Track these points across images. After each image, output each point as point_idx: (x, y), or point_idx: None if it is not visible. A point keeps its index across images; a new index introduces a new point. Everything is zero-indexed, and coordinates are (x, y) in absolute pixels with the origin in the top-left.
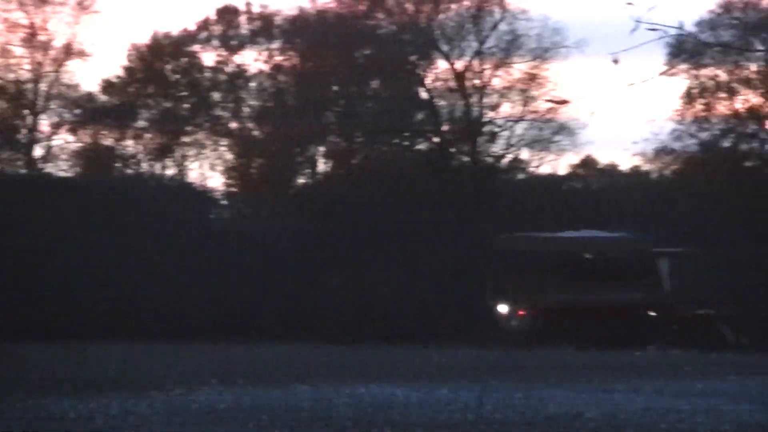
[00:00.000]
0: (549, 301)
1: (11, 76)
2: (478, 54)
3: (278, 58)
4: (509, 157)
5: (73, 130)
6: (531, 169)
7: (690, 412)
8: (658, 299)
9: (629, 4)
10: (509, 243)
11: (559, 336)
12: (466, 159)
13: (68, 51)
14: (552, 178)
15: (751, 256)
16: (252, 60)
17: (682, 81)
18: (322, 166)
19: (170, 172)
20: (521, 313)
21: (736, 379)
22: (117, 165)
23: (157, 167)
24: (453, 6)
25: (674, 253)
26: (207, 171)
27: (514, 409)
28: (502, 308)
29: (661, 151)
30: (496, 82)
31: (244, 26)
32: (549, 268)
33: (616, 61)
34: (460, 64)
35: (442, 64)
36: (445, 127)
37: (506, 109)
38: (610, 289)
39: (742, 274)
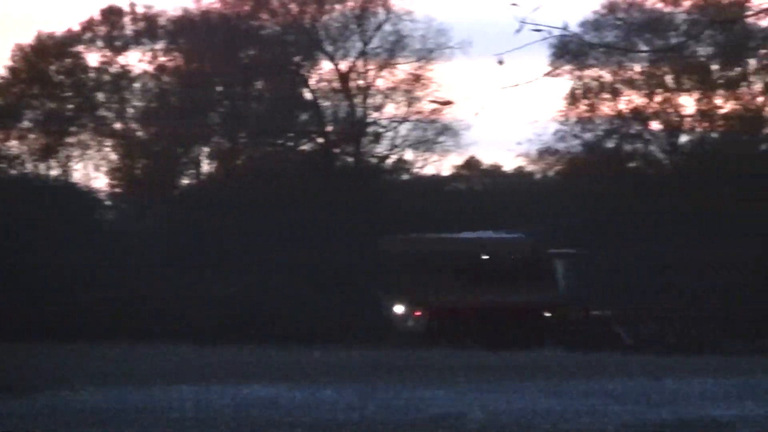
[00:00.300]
0: (445, 302)
1: None
2: (363, 55)
3: (162, 59)
4: (393, 157)
5: None
6: (415, 170)
7: (573, 413)
8: (553, 300)
9: (513, 5)
10: (406, 244)
11: (456, 336)
12: (350, 159)
13: None
14: (436, 179)
15: (640, 256)
16: (136, 61)
17: (566, 82)
18: (206, 166)
19: (54, 172)
20: (418, 313)
21: (620, 379)
22: (1, 165)
23: (42, 168)
24: (337, 7)
25: (569, 254)
26: (91, 172)
27: (397, 409)
28: (399, 309)
29: (545, 152)
30: (381, 83)
31: (129, 27)
32: (446, 269)
33: (500, 62)
34: (344, 65)
35: (326, 65)
36: (329, 128)
37: (390, 109)
38: (506, 289)
39: (634, 275)
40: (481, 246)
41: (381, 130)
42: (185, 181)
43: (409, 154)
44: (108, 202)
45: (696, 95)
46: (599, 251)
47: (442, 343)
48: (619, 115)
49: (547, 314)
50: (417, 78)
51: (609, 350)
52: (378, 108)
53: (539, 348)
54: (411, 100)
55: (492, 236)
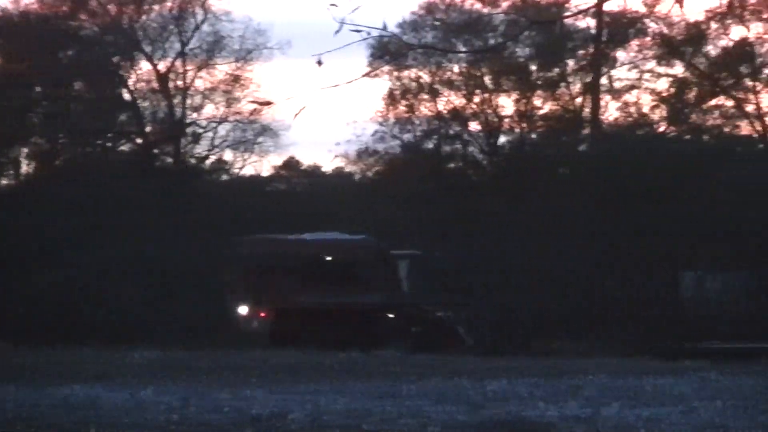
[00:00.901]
0: (290, 303)
1: None
2: (181, 55)
3: None
4: (213, 158)
5: None
6: (235, 171)
7: (396, 414)
8: (396, 301)
9: (333, 5)
10: (250, 245)
11: (300, 337)
12: (169, 160)
13: None
14: (255, 180)
15: (475, 258)
16: None
17: (385, 82)
18: (25, 167)
19: None
20: (262, 314)
21: (451, 380)
22: None
23: None
24: (155, 7)
25: (413, 255)
26: None
27: (219, 410)
28: (243, 310)
29: (364, 153)
30: (200, 84)
31: None
32: (290, 270)
33: (319, 63)
34: (163, 66)
35: (145, 65)
36: (148, 128)
37: (210, 110)
38: (349, 291)
39: (475, 277)
40: (326, 247)
41: (200, 130)
42: (4, 182)
43: (228, 155)
44: None
45: (515, 96)
46: (440, 253)
47: (287, 344)
48: (438, 115)
49: (390, 315)
50: (236, 78)
51: (450, 351)
52: (197, 108)
53: (382, 349)
54: (230, 101)
55: (336, 237)
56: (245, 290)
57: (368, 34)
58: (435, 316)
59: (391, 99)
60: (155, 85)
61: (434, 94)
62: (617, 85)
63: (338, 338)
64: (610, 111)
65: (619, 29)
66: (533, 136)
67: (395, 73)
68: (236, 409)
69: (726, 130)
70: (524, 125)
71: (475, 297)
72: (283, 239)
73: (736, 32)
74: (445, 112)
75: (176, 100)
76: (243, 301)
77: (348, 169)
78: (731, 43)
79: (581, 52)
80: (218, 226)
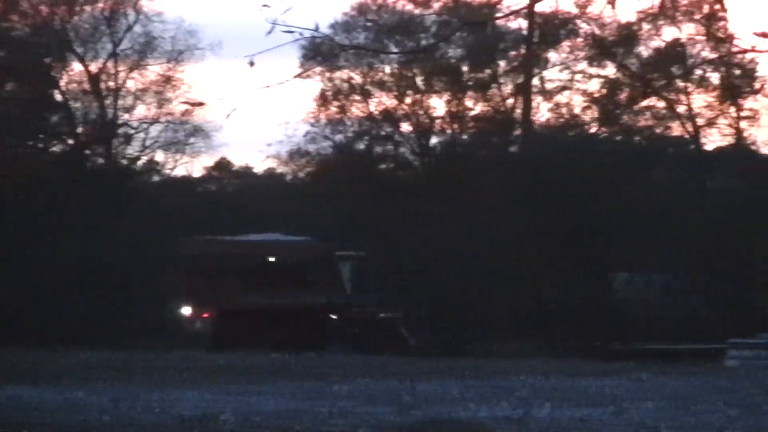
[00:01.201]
0: (233, 304)
1: None
2: (113, 56)
3: None
4: (144, 159)
5: None
6: (166, 172)
7: (327, 415)
8: (339, 302)
9: (265, 6)
10: (194, 246)
11: (243, 338)
12: (101, 161)
13: None
14: (187, 181)
15: (407, 259)
16: None
17: (316, 83)
18: None
19: None
20: (205, 315)
21: (375, 381)
22: None
23: None
24: (87, 8)
25: (356, 257)
26: None
27: (150, 411)
28: (186, 310)
29: (296, 154)
30: (131, 84)
31: None
32: (234, 271)
33: (251, 64)
34: (94, 66)
35: (77, 66)
36: (80, 129)
37: (141, 111)
38: (292, 292)
39: (412, 278)
40: (270, 248)
41: (131, 131)
42: None
43: (159, 156)
44: None
45: (446, 97)
46: (374, 253)
47: (230, 345)
48: (370, 116)
49: (334, 316)
50: (168, 79)
51: (393, 352)
52: (129, 109)
53: (325, 350)
54: (162, 102)
55: (280, 239)
56: (188, 291)
57: (300, 35)
58: (378, 317)
59: (323, 100)
60: (87, 86)
61: (366, 95)
62: (549, 86)
63: (281, 339)
64: (542, 112)
65: (551, 30)
66: (464, 137)
67: (327, 74)
68: (166, 409)
69: (657, 131)
70: (456, 126)
71: (414, 298)
72: (226, 240)
73: (668, 33)
74: (376, 113)
75: (108, 101)
76: (186, 302)
77: (280, 170)
78: (663, 44)
79: (513, 53)
80: (152, 228)
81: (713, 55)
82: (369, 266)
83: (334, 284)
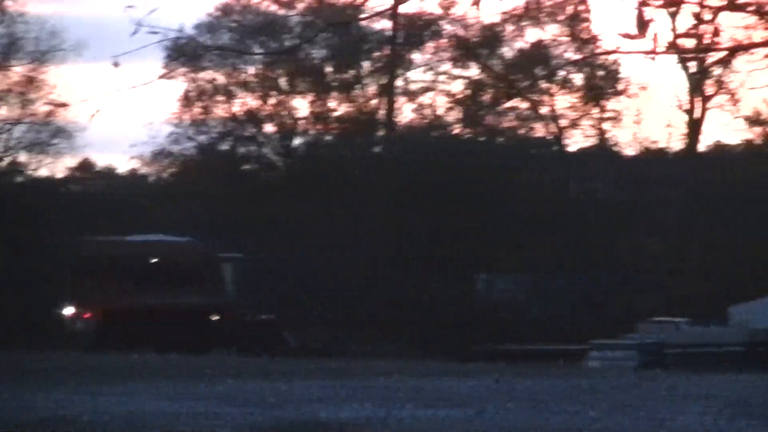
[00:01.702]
0: (114, 304)
1: None
2: None
3: None
4: (7, 160)
5: None
6: (29, 173)
7: (190, 415)
8: (221, 304)
9: (130, 7)
10: (76, 247)
11: (124, 339)
12: None
13: None
14: (50, 182)
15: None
16: None
17: (181, 84)
18: None
19: None
20: (87, 315)
21: (239, 381)
22: None
23: None
24: None
25: (237, 258)
26: None
27: (7, 411)
28: (68, 311)
29: (159, 154)
30: None
31: None
32: (116, 272)
33: (116, 64)
34: None
35: None
36: None
37: (3, 112)
38: (174, 292)
39: (298, 280)
40: (152, 249)
41: None
42: None
43: (23, 156)
44: None
45: (310, 98)
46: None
47: (111, 346)
48: (234, 117)
49: (215, 317)
50: (31, 80)
51: (274, 354)
52: None
53: (206, 351)
54: (25, 102)
55: (162, 239)
56: (70, 291)
57: (165, 35)
58: (259, 318)
59: (187, 101)
60: None
61: (230, 96)
62: (412, 87)
63: (163, 340)
64: (406, 113)
65: (415, 31)
66: (328, 137)
67: (191, 75)
68: (24, 410)
69: (521, 132)
70: (319, 127)
71: (291, 300)
72: (110, 241)
73: (532, 34)
74: (240, 113)
75: None
76: (69, 303)
77: (143, 170)
78: (527, 45)
79: (377, 54)
80: (19, 228)
81: (577, 57)
82: (248, 267)
83: (216, 285)
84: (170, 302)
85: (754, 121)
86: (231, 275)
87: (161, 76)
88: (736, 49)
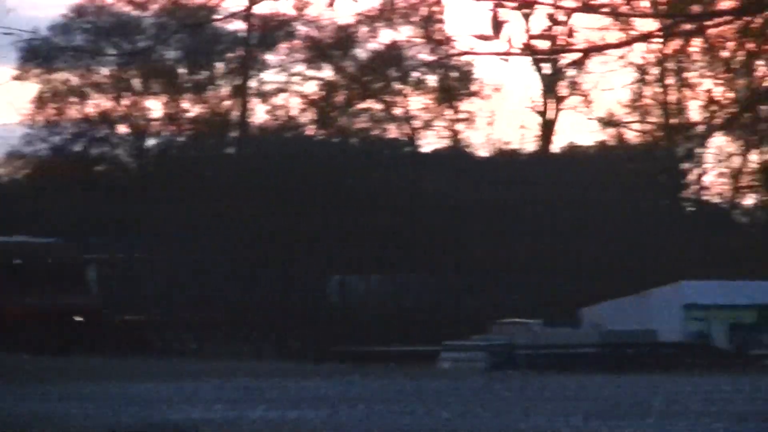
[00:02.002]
0: None
1: None
2: None
3: None
4: None
5: None
6: None
7: (28, 415)
8: (85, 304)
9: None
10: None
11: None
12: None
13: None
14: None
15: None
16: None
17: (34, 85)
18: None
19: None
20: None
21: (87, 382)
22: None
23: None
24: None
25: (103, 259)
26: None
27: None
28: None
29: (13, 155)
30: None
31: None
32: None
33: None
34: None
35: None
36: None
37: None
38: (39, 294)
39: (163, 281)
40: (15, 249)
41: None
42: None
43: None
44: None
45: (163, 99)
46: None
47: None
48: (87, 118)
49: (80, 319)
50: None
51: (140, 355)
52: None
53: (71, 352)
54: None
55: (25, 240)
56: None
57: (19, 36)
58: (126, 319)
59: (40, 102)
60: None
61: (83, 97)
62: (266, 88)
63: (25, 341)
64: (259, 114)
65: (269, 32)
66: (181, 139)
67: (44, 76)
68: None
69: (374, 133)
70: (172, 128)
71: (156, 300)
72: None
73: (386, 35)
74: (93, 114)
75: None
76: None
77: None
78: (380, 47)
79: (230, 55)
80: None
81: (431, 58)
82: (112, 268)
83: (80, 286)
84: (35, 303)
85: (607, 122)
86: (96, 276)
87: (15, 78)
88: (590, 50)
